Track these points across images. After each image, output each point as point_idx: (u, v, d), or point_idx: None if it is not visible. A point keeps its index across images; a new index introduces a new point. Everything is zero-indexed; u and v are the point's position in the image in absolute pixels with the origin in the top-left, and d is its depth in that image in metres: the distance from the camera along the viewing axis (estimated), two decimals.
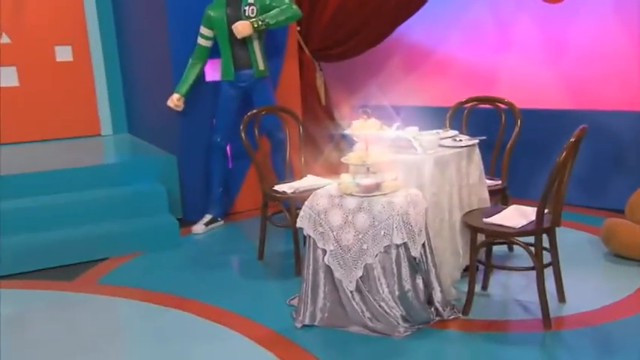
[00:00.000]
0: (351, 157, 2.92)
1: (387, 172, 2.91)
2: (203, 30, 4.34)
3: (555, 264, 3.01)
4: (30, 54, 5.31)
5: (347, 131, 3.10)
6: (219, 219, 4.69)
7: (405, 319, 2.83)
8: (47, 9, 5.29)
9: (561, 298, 3.09)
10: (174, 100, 4.41)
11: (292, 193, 3.65)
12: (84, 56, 5.52)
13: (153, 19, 4.77)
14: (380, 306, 2.81)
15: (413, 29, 5.47)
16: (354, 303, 2.84)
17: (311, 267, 2.95)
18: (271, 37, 4.64)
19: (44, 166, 4.50)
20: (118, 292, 3.57)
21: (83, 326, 3.22)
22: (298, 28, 5.17)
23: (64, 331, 3.16)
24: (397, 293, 2.81)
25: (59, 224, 4.10)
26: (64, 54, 5.47)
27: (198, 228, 4.56)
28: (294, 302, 3.14)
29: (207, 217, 4.62)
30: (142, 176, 4.62)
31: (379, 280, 2.80)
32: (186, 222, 4.64)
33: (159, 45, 4.73)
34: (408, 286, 2.82)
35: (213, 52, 4.42)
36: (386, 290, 2.81)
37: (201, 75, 4.52)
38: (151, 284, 3.63)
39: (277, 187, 3.78)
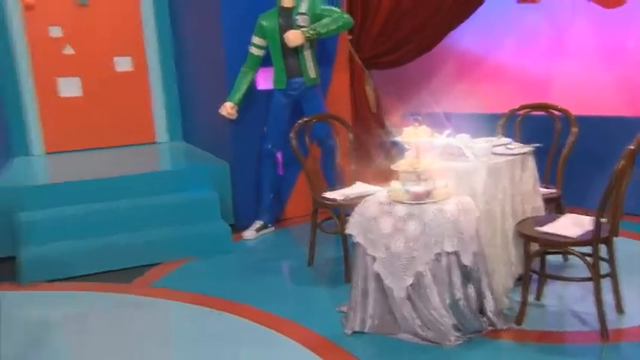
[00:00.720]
0: (401, 165, 2.90)
1: (438, 179, 2.87)
2: (255, 39, 4.39)
3: (613, 275, 2.90)
4: (92, 65, 5.50)
5: (397, 138, 3.07)
6: (269, 225, 4.72)
7: (456, 328, 2.77)
8: (108, 22, 5.47)
9: (619, 309, 2.97)
10: (228, 109, 4.48)
11: (342, 200, 3.64)
12: (142, 66, 5.68)
13: (208, 30, 4.87)
14: (430, 314, 2.77)
15: (464, 35, 5.40)
16: (404, 311, 2.81)
17: (361, 274, 2.93)
18: (322, 46, 4.66)
19: (103, 174, 4.64)
20: (171, 296, 3.63)
21: (138, 327, 3.29)
22: (350, 37, 5.17)
23: (120, 331, 3.24)
24: (448, 302, 2.76)
25: (117, 229, 4.21)
26: (123, 64, 5.64)
27: (249, 234, 4.60)
28: (344, 309, 3.12)
29: (258, 224, 4.66)
30: (196, 183, 4.70)
31: (430, 288, 2.76)
32: (238, 228, 4.68)
33: (213, 55, 4.82)
34: (459, 294, 2.77)
35: (265, 61, 4.48)
36: (437, 298, 2.76)
37: (252, 83, 4.57)
38: (203, 288, 3.68)
39: (327, 194, 3.78)
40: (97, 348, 3.06)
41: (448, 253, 2.73)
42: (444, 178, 2.90)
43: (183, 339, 3.18)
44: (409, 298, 2.80)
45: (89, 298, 3.67)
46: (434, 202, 2.80)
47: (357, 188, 3.81)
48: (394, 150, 4.15)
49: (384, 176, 3.25)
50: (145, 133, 5.81)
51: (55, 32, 5.31)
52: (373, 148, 5.12)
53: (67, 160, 5.25)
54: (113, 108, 5.61)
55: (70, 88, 5.45)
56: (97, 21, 5.44)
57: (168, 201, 4.48)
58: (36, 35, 5.23)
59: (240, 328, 3.15)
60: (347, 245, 3.58)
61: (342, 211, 3.62)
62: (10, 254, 4.06)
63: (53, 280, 3.84)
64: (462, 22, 5.10)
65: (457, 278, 2.76)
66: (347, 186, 3.93)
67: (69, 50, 5.41)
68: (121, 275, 3.96)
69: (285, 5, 4.31)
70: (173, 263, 4.14)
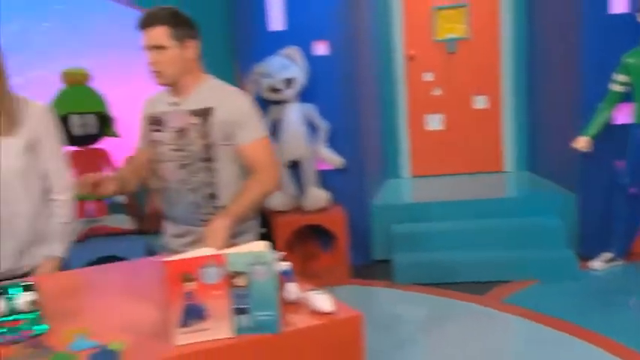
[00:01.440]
0: None
1: None
2: (618, 77, 4.05)
3: None
4: (454, 103, 5.81)
5: None
6: (619, 258, 4.26)
7: None
8: (470, 66, 5.71)
9: None
10: (582, 142, 4.22)
11: None
12: (497, 104, 5.76)
13: (566, 71, 4.68)
14: None
15: None
16: None
17: None
18: None
19: (459, 196, 4.85)
20: (518, 312, 3.58)
21: (484, 337, 3.32)
22: None
23: (473, 339, 3.31)
24: None
25: (470, 246, 4.35)
26: (480, 103, 5.81)
27: (598, 264, 4.23)
28: None
29: (607, 255, 4.25)
30: (542, 210, 4.56)
31: None
32: (583, 257, 4.35)
33: (569, 93, 4.61)
34: None
35: (624, 97, 4.08)
36: None
37: (609, 119, 4.21)
38: (551, 310, 3.53)
39: None
40: (451, 353, 3.16)
41: None
42: None
43: (531, 357, 3.09)
44: None
45: (447, 304, 3.85)
46: None
47: None
48: None
49: None
50: (495, 163, 5.85)
51: (428, 77, 5.78)
52: None
53: (428, 183, 5.64)
54: (469, 140, 5.81)
55: (434, 123, 5.86)
56: (461, 66, 5.72)
57: (515, 225, 4.45)
58: (413, 80, 5.79)
59: (594, 357, 2.92)
60: None
61: None
62: (388, 258, 4.53)
63: (419, 284, 4.15)
64: None
65: None
66: None
67: (437, 92, 5.82)
68: (473, 287, 4.05)
69: None
70: (520, 283, 4.07)
